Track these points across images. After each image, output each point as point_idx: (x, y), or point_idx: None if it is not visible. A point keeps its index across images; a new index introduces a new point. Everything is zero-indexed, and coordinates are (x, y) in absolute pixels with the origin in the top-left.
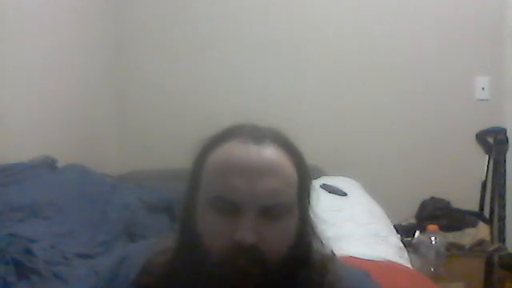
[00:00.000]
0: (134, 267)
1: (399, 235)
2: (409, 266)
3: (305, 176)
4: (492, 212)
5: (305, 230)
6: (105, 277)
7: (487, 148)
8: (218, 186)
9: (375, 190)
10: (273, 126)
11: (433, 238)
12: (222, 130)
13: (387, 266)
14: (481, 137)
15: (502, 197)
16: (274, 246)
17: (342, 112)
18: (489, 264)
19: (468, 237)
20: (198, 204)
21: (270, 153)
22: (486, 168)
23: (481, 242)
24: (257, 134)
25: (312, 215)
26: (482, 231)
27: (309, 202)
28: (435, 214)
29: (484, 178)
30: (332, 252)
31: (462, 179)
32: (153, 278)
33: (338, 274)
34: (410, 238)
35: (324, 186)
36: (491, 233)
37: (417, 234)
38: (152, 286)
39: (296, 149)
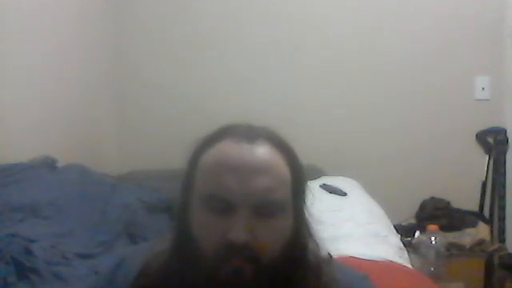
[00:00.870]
0: (132, 270)
1: (399, 235)
2: (409, 266)
3: (299, 175)
4: (492, 212)
5: (299, 230)
6: (103, 280)
7: (487, 148)
8: (210, 184)
9: (375, 190)
10: (269, 125)
11: (433, 238)
12: (216, 129)
13: (387, 266)
14: (481, 137)
15: (502, 197)
16: (267, 244)
17: (342, 112)
18: (489, 264)
19: (468, 237)
20: (192, 203)
21: (262, 151)
22: (486, 168)
23: (481, 242)
24: (250, 134)
25: (307, 215)
26: (482, 231)
27: (304, 201)
28: (435, 214)
29: (484, 178)
30: (328, 253)
31: (462, 179)
32: (151, 280)
33: (334, 276)
34: (409, 238)
35: (324, 186)
36: (491, 233)
37: (417, 234)
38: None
39: (290, 148)
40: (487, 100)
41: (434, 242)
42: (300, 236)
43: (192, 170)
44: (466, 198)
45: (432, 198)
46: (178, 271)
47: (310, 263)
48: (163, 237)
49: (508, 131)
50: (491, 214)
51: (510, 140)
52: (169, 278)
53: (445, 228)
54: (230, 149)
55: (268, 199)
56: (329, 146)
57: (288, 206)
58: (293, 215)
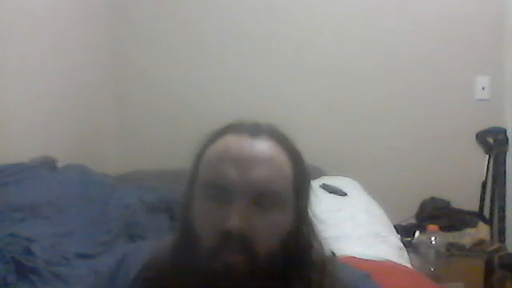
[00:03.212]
0: (134, 266)
1: (399, 235)
2: (409, 266)
3: (301, 173)
4: (492, 212)
5: (301, 228)
6: (105, 276)
7: (487, 148)
8: (211, 173)
9: (375, 190)
10: (272, 122)
11: (433, 238)
12: (222, 125)
13: (387, 266)
14: (481, 137)
15: (502, 197)
16: (263, 236)
17: (342, 112)
18: (489, 264)
19: (468, 237)
20: (195, 195)
21: (264, 145)
22: (486, 168)
23: (481, 242)
24: (253, 128)
25: (311, 215)
26: (482, 231)
27: (307, 200)
28: (435, 214)
29: (484, 178)
30: (332, 252)
31: (462, 179)
32: (154, 273)
33: (338, 275)
34: (409, 238)
35: (324, 186)
36: (491, 233)
37: (417, 234)
38: (154, 283)
39: (293, 146)
40: (487, 100)
41: (433, 242)
42: (302, 234)
43: (196, 164)
44: (465, 197)
45: (432, 198)
46: (181, 264)
47: (314, 263)
48: (166, 235)
49: (508, 131)
50: (491, 214)
51: (510, 140)
52: (172, 270)
53: (445, 228)
54: (232, 141)
55: (266, 190)
56: (329, 146)
57: (288, 200)
58: (293, 212)
